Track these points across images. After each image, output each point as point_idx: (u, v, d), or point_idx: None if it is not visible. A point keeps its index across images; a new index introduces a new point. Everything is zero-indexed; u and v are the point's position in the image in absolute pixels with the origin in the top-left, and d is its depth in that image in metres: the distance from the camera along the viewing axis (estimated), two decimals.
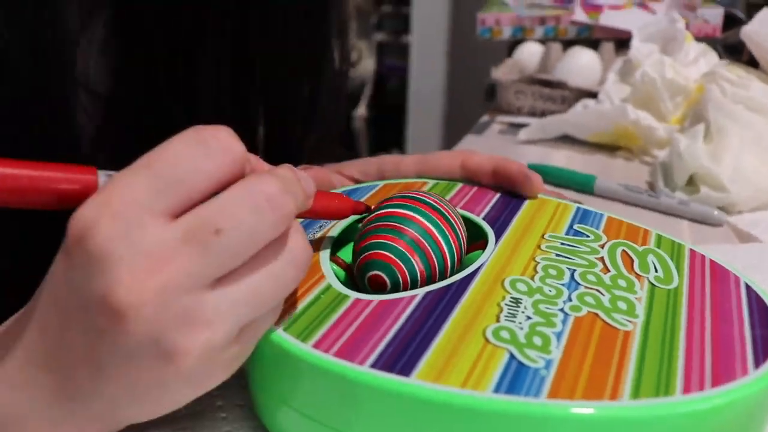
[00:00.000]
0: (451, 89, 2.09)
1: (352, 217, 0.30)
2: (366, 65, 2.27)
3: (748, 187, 0.45)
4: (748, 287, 0.25)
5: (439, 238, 0.25)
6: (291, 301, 0.23)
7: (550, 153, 0.61)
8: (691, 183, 0.49)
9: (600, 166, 0.58)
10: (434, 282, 0.25)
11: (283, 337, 0.21)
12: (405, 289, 0.25)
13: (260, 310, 0.19)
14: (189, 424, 0.24)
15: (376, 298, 0.23)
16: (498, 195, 0.32)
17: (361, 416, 0.20)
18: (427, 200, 0.26)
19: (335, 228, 0.29)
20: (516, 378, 0.19)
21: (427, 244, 0.25)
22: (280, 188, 0.18)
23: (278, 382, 0.22)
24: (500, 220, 0.29)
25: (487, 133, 0.67)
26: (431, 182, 0.34)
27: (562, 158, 0.60)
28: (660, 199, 0.48)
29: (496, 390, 0.19)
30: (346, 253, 0.29)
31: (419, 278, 0.25)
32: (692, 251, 0.27)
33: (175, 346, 0.17)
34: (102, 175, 0.18)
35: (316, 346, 0.20)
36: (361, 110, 2.23)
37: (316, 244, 0.27)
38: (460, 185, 0.33)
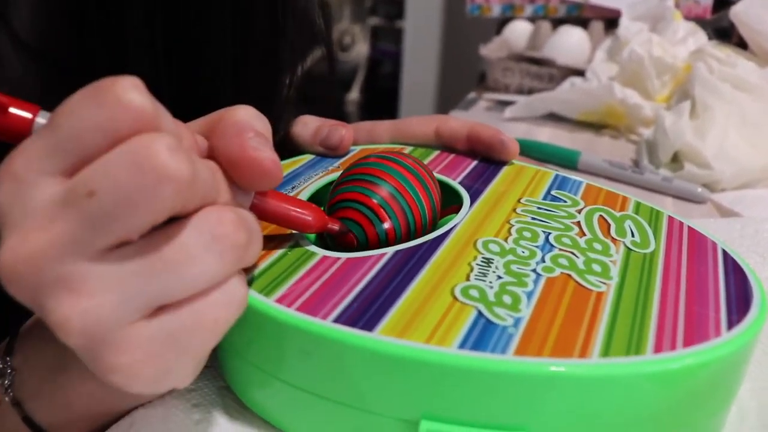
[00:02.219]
0: (444, 75, 2.07)
1: (327, 178, 0.29)
2: (359, 50, 2.25)
3: (732, 165, 0.45)
4: (725, 253, 0.24)
5: (412, 198, 0.25)
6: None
7: (535, 130, 0.61)
8: (676, 160, 0.48)
9: (586, 143, 0.58)
10: (404, 241, 0.24)
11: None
12: (374, 249, 0.24)
13: (161, 285, 0.16)
14: None
15: (344, 255, 0.22)
16: (476, 162, 0.32)
17: (321, 372, 0.19)
18: (402, 161, 0.26)
19: (309, 188, 0.28)
20: (482, 335, 0.19)
21: (398, 204, 0.24)
22: (168, 146, 0.15)
23: (239, 338, 0.21)
24: (476, 185, 0.29)
25: (473, 110, 0.66)
26: (409, 149, 0.33)
27: (548, 136, 0.59)
28: (644, 176, 0.48)
29: (461, 346, 0.18)
30: None
31: (388, 238, 0.24)
32: (670, 218, 0.27)
33: (50, 311, 0.15)
34: (42, 117, 0.17)
35: (279, 301, 0.20)
36: (354, 94, 2.21)
37: None
38: (437, 152, 0.33)
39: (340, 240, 0.24)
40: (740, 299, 0.21)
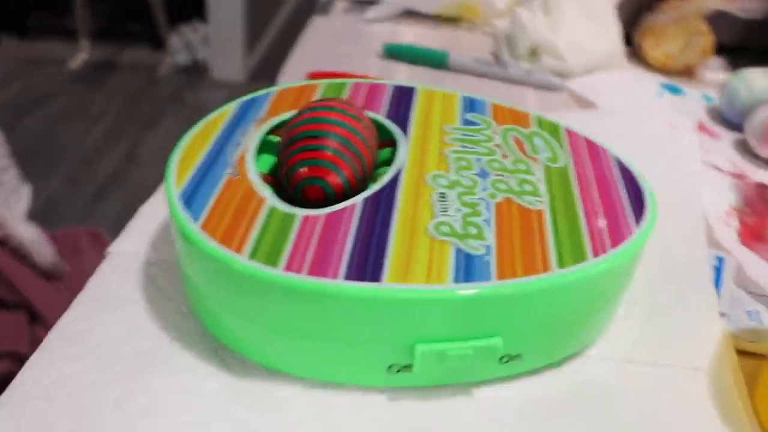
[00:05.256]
0: None
1: (263, 129, 0.30)
2: None
3: (582, 56, 0.51)
4: (618, 160, 0.30)
5: (360, 141, 0.27)
6: (242, 228, 0.23)
7: (398, 30, 0.63)
8: (533, 53, 0.54)
9: (447, 39, 0.61)
10: (362, 185, 0.27)
11: (252, 266, 0.22)
12: (340, 198, 0.26)
13: None
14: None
15: (321, 212, 0.25)
16: (389, 88, 0.34)
17: (339, 321, 0.22)
18: (339, 108, 0.28)
19: (251, 146, 0.29)
20: (468, 267, 0.23)
21: (351, 151, 0.27)
22: None
23: (254, 309, 0.23)
24: (400, 116, 0.31)
25: (332, 14, 0.66)
26: (323, 84, 0.34)
27: (411, 35, 0.62)
28: (508, 70, 0.53)
29: (456, 281, 0.22)
30: (263, 165, 0.29)
31: (350, 185, 0.27)
32: (567, 130, 0.32)
33: None
34: None
35: (288, 268, 0.22)
36: None
37: (240, 166, 0.27)
38: (351, 84, 0.34)
39: (308, 196, 0.26)
40: (638, 199, 0.27)
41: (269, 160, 0.30)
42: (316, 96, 0.33)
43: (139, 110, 1.87)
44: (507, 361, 0.24)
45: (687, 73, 0.56)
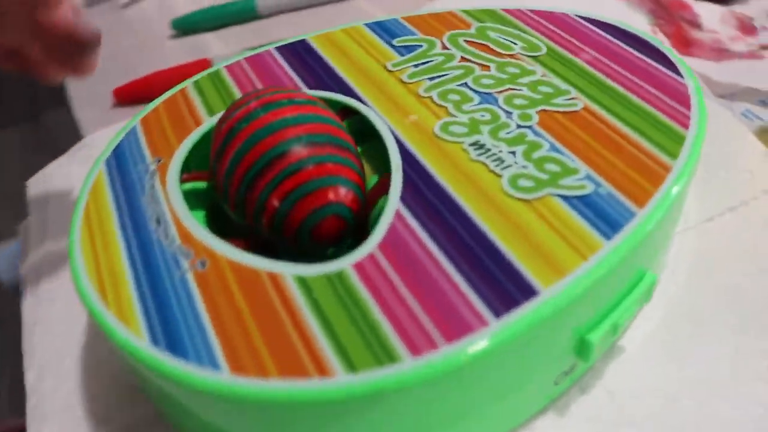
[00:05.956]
0: None
1: (174, 177, 0.20)
2: None
3: None
4: (595, 21, 0.25)
5: (341, 129, 0.19)
6: (298, 345, 0.15)
7: (164, 4, 0.51)
8: None
9: None
10: (364, 188, 0.19)
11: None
12: (358, 216, 0.18)
13: None
14: None
15: (375, 251, 0.17)
16: (274, 55, 0.25)
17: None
18: (295, 99, 0.19)
19: (180, 211, 0.19)
20: (600, 213, 0.17)
21: (344, 148, 0.19)
22: None
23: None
24: (325, 80, 0.23)
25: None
26: (191, 88, 0.25)
27: (182, 2, 0.50)
28: None
29: (607, 238, 0.16)
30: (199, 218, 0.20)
31: (362, 192, 0.19)
32: (507, 10, 0.26)
33: None
34: None
35: (416, 353, 0.14)
36: None
37: (195, 252, 0.18)
38: (222, 71, 0.25)
39: (321, 235, 0.18)
40: (667, 63, 0.22)
41: (199, 216, 0.21)
42: (198, 107, 0.23)
43: None
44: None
45: None
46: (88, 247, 0.18)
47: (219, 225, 0.20)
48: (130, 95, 0.36)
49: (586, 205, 0.17)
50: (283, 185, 0.17)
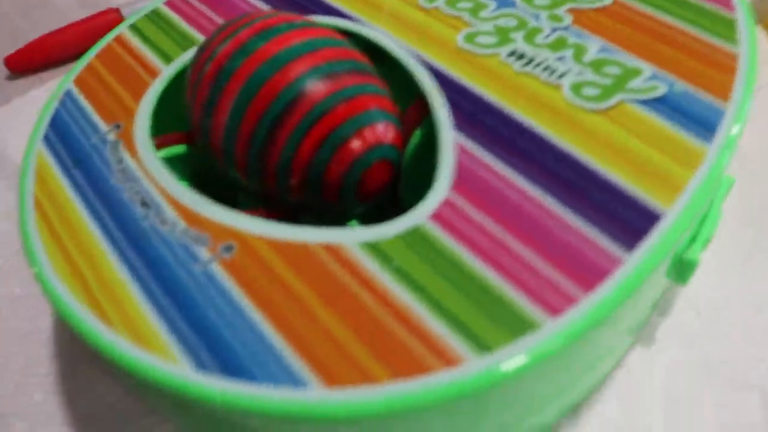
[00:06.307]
0: None
1: (145, 144, 0.16)
2: None
3: None
4: None
5: (361, 55, 0.16)
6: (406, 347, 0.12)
7: None
8: None
9: None
10: (396, 115, 0.16)
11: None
12: (402, 156, 0.15)
13: None
14: None
15: (448, 194, 0.14)
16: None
17: None
18: (295, 22, 0.15)
19: (168, 184, 0.15)
20: (686, 109, 0.14)
21: (373, 76, 0.15)
22: None
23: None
24: (300, 0, 0.19)
25: None
26: (127, 32, 0.20)
27: None
28: None
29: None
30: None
31: (400, 123, 0.16)
32: None
33: None
34: None
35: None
36: None
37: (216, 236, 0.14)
38: (161, 8, 0.20)
39: (369, 185, 0.15)
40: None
41: None
42: (146, 54, 0.18)
43: None
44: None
45: None
46: (62, 263, 0.14)
47: (208, 197, 0.16)
48: (29, 61, 0.29)
49: (668, 107, 0.15)
50: (310, 134, 0.14)
